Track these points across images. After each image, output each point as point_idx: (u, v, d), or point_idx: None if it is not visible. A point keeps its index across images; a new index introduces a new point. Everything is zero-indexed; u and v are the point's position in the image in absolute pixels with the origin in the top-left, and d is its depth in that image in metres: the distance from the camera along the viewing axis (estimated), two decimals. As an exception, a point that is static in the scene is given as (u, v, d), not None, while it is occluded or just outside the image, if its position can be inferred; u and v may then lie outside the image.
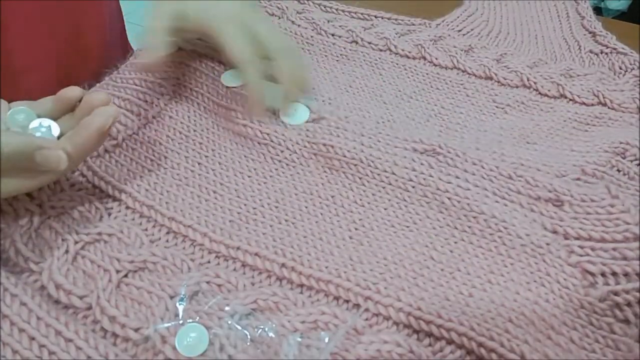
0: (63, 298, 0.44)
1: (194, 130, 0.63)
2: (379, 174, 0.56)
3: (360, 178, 0.57)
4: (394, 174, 0.56)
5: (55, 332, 0.41)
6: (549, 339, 0.43)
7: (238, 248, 0.50)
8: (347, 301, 0.47)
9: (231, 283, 0.47)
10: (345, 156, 0.58)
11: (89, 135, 0.47)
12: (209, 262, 0.50)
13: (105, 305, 0.43)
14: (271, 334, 0.43)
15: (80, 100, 0.51)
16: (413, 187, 0.55)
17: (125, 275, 0.46)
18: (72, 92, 0.51)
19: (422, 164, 0.56)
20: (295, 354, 0.41)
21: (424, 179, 0.55)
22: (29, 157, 0.44)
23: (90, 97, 0.50)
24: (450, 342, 0.44)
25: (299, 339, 0.43)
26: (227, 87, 0.65)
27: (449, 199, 0.53)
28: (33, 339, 0.40)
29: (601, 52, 0.82)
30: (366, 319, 0.45)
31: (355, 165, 0.57)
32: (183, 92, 0.66)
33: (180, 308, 0.44)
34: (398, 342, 0.43)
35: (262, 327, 0.43)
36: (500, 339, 0.43)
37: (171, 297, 0.45)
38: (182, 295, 0.44)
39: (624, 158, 0.60)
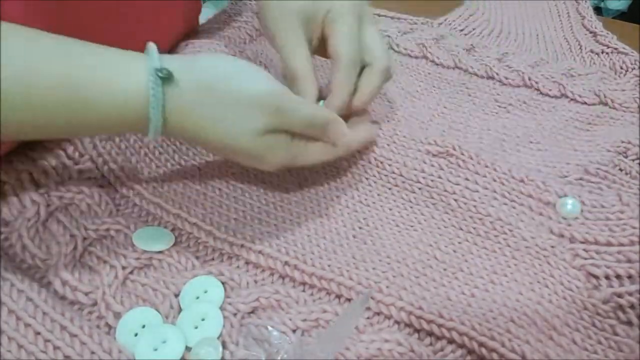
0: (69, 294, 0.44)
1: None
2: (386, 175, 0.57)
3: (367, 178, 0.57)
4: (401, 175, 0.56)
5: (61, 327, 0.41)
6: (550, 339, 0.43)
7: (242, 246, 0.50)
8: (348, 300, 0.47)
9: (234, 281, 0.47)
10: (353, 156, 0.58)
11: (360, 138, 0.56)
12: (212, 259, 0.50)
13: (110, 302, 0.44)
14: (273, 332, 0.43)
15: None
16: (420, 188, 0.56)
17: (131, 272, 0.47)
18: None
19: (432, 165, 0.57)
20: (296, 351, 0.42)
21: (432, 180, 0.55)
22: (323, 128, 0.52)
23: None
24: (451, 341, 0.44)
25: (301, 337, 0.43)
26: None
27: (455, 200, 0.54)
28: (38, 333, 0.40)
29: (602, 52, 0.82)
30: (367, 318, 0.46)
31: (363, 165, 0.58)
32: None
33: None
34: (399, 341, 0.43)
35: (264, 324, 0.44)
36: (502, 339, 0.43)
37: (175, 295, 0.45)
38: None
39: (625, 157, 0.60)
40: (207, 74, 0.46)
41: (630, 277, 0.47)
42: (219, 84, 0.46)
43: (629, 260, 0.48)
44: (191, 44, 0.71)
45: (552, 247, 0.49)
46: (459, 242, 0.51)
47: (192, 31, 0.78)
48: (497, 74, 0.74)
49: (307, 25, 0.57)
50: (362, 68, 0.57)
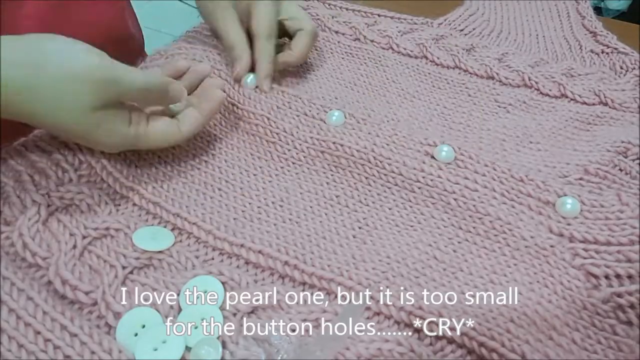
0: (69, 293, 0.44)
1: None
2: (385, 175, 0.57)
3: (366, 178, 0.57)
4: (401, 174, 0.56)
5: (61, 326, 0.41)
6: (550, 339, 0.43)
7: (242, 245, 0.50)
8: (349, 300, 0.47)
9: (234, 280, 0.47)
10: (353, 155, 0.58)
11: (205, 110, 0.58)
12: (212, 259, 0.50)
13: (110, 301, 0.44)
14: (273, 332, 0.43)
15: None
16: (419, 188, 0.56)
17: (131, 272, 0.47)
18: (182, 63, 0.63)
19: (431, 165, 0.56)
20: (296, 351, 0.42)
21: (432, 180, 0.55)
22: (164, 90, 0.54)
23: (196, 68, 0.63)
24: (451, 341, 0.44)
25: (301, 337, 0.43)
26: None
27: (455, 200, 0.54)
28: (38, 333, 0.40)
29: (602, 52, 0.82)
30: (367, 318, 0.46)
31: (363, 165, 0.58)
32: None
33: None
34: (399, 341, 0.43)
35: (264, 324, 0.44)
36: (501, 339, 0.43)
37: (175, 295, 0.45)
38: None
39: (625, 157, 0.60)
40: (35, 52, 0.47)
41: (630, 276, 0.47)
42: (47, 63, 0.47)
43: (629, 260, 0.48)
44: (184, 46, 0.72)
45: (552, 246, 0.49)
46: (459, 242, 0.51)
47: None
48: (497, 74, 0.74)
49: (236, 9, 0.70)
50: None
